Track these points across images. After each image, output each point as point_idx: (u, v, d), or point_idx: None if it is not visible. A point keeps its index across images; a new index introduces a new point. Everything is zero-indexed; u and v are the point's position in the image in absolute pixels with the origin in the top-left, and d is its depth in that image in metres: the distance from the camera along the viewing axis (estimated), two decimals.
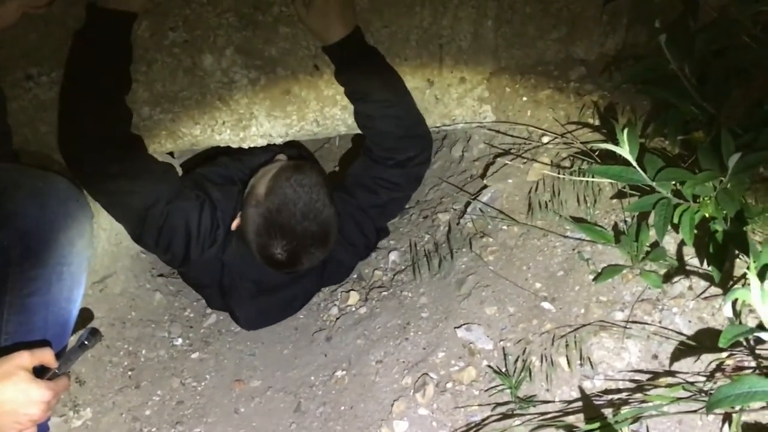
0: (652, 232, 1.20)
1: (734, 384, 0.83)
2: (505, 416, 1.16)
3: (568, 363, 1.17)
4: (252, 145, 1.63)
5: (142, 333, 1.70)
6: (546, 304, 1.29)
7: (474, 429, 1.17)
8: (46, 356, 1.10)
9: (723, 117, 1.17)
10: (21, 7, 1.28)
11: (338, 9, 1.42)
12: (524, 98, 1.60)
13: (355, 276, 1.82)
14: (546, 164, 1.49)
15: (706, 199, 1.10)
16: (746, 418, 0.96)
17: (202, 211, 1.56)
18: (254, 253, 1.55)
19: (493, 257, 1.46)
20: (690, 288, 1.16)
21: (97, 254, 1.65)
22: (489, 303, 1.37)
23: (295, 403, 1.47)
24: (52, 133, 1.44)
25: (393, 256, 1.77)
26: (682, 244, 1.20)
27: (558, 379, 1.17)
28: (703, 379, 1.04)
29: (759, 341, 1.03)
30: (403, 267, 1.72)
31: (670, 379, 1.06)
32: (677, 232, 1.14)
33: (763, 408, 0.96)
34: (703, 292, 1.15)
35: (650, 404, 1.01)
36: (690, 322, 1.13)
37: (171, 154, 1.89)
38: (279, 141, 1.65)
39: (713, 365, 1.05)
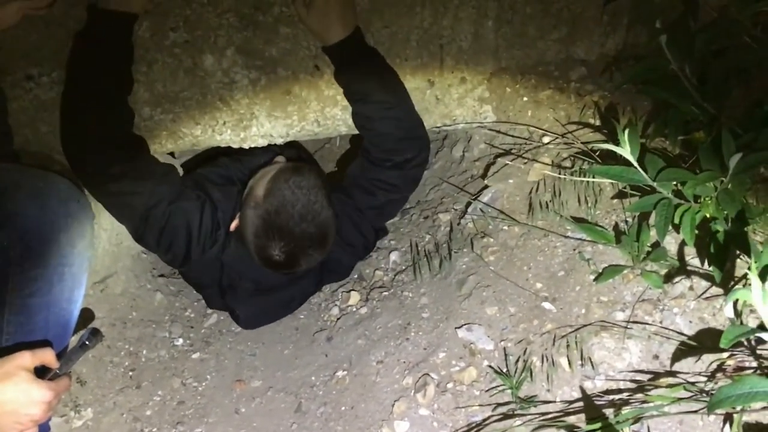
0: (653, 233, 1.20)
1: (735, 384, 0.83)
2: (505, 416, 1.16)
3: (569, 363, 1.17)
4: (253, 146, 1.63)
5: (143, 333, 1.70)
6: (547, 305, 1.29)
7: (475, 429, 1.17)
8: (47, 356, 1.10)
9: (723, 117, 1.17)
10: (22, 9, 1.28)
11: (338, 9, 1.42)
12: (525, 98, 1.60)
13: (356, 276, 1.81)
14: (547, 164, 1.49)
15: (707, 199, 1.10)
16: (747, 418, 0.96)
17: (203, 211, 1.56)
18: (252, 254, 1.55)
19: (493, 257, 1.46)
20: (691, 288, 1.16)
21: (98, 254, 1.65)
22: (490, 303, 1.37)
23: (295, 403, 1.47)
24: (52, 133, 1.44)
25: (394, 256, 1.77)
26: (683, 244, 1.20)
27: (559, 380, 1.17)
28: (704, 379, 1.04)
29: (760, 341, 1.03)
30: (403, 267, 1.72)
31: (671, 380, 1.06)
32: (678, 233, 1.14)
33: (764, 408, 0.96)
34: (704, 293, 1.14)
35: (651, 404, 1.01)
36: (691, 322, 1.13)
37: (171, 154, 1.89)
38: (280, 141, 1.65)
39: (714, 365, 1.05)
